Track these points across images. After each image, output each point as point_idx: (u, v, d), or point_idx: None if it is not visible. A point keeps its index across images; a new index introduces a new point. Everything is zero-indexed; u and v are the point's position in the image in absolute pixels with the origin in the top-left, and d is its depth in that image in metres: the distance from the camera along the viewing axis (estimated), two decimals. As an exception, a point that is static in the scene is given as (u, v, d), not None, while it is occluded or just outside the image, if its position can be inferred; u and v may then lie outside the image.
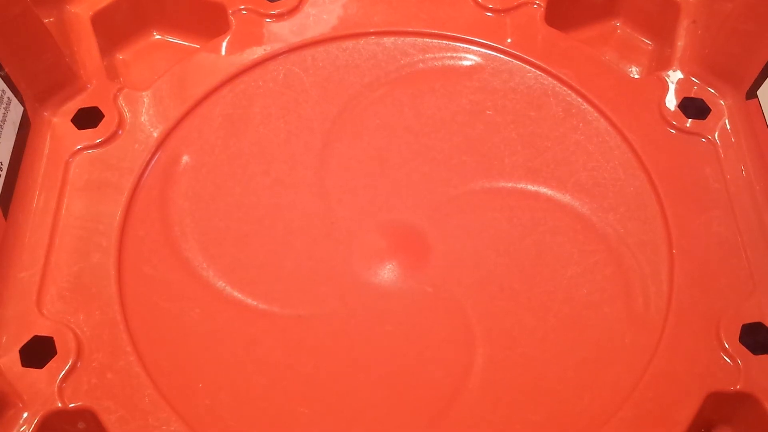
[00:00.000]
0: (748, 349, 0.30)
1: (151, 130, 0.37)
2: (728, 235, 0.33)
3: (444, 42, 0.40)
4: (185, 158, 0.36)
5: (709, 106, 0.37)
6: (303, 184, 0.36)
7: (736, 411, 0.30)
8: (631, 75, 0.41)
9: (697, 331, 0.31)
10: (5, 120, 0.34)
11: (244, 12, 0.41)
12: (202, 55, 0.40)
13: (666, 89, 0.38)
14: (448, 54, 0.40)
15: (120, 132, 0.37)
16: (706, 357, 0.30)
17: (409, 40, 0.40)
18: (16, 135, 0.35)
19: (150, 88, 0.38)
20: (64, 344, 0.30)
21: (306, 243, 0.34)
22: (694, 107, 0.37)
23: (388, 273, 0.34)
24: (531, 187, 0.35)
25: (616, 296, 0.32)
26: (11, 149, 0.34)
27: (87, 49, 0.40)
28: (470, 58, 0.40)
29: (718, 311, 0.31)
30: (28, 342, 0.31)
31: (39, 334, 0.31)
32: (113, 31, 0.42)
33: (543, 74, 0.39)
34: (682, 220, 0.34)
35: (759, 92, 0.35)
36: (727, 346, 0.30)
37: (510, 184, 0.36)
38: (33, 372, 0.30)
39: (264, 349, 0.31)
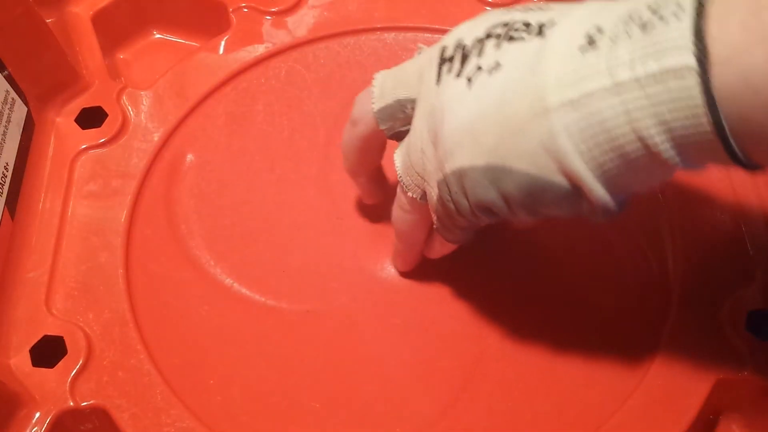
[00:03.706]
0: (754, 335, 0.30)
1: (155, 128, 0.37)
2: (732, 224, 0.33)
3: (445, 37, 0.40)
4: (189, 156, 0.37)
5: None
6: (308, 180, 0.36)
7: (744, 397, 0.30)
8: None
9: (703, 319, 0.31)
10: (10, 121, 0.34)
11: (245, 10, 0.41)
12: (204, 54, 0.40)
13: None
14: (449, 49, 0.40)
15: (124, 131, 0.37)
16: (712, 345, 0.30)
17: (410, 35, 0.40)
18: (21, 135, 0.35)
19: (153, 87, 0.38)
20: (75, 343, 0.30)
21: (312, 238, 0.34)
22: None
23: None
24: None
25: (621, 286, 0.33)
26: (16, 150, 0.34)
27: (88, 48, 0.40)
28: (471, 52, 0.40)
29: (723, 299, 0.31)
30: (38, 342, 0.31)
31: (49, 333, 0.31)
32: (113, 30, 0.42)
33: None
34: (685, 209, 0.34)
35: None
36: (733, 333, 0.30)
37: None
38: (44, 372, 0.30)
39: (273, 345, 0.32)
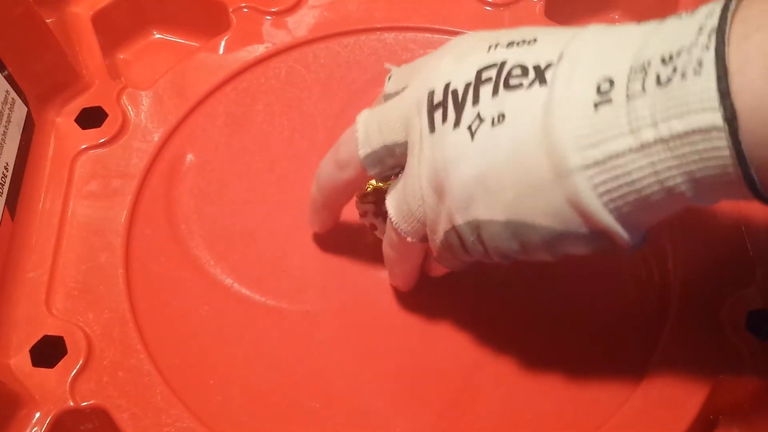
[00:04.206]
0: (754, 335, 0.30)
1: (155, 128, 0.37)
2: (732, 224, 0.33)
3: (445, 37, 0.40)
4: (190, 156, 0.37)
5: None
6: (308, 180, 0.36)
7: (744, 397, 0.30)
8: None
9: (703, 319, 0.31)
10: (10, 121, 0.34)
11: (245, 10, 0.41)
12: (204, 54, 0.40)
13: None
14: (449, 49, 0.40)
15: (124, 131, 0.37)
16: (712, 345, 0.30)
17: (410, 35, 0.40)
18: (21, 136, 0.35)
19: (153, 87, 0.38)
20: (75, 343, 0.30)
21: (312, 238, 0.34)
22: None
23: (394, 267, 0.34)
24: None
25: (620, 286, 0.33)
26: (16, 150, 0.34)
27: (88, 48, 0.40)
28: (471, 52, 0.40)
29: (723, 299, 0.31)
30: (38, 342, 0.31)
31: (49, 333, 0.31)
32: (113, 30, 0.42)
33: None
34: (685, 209, 0.34)
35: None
36: (733, 333, 0.30)
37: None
38: (44, 372, 0.30)
39: (273, 345, 0.32)
